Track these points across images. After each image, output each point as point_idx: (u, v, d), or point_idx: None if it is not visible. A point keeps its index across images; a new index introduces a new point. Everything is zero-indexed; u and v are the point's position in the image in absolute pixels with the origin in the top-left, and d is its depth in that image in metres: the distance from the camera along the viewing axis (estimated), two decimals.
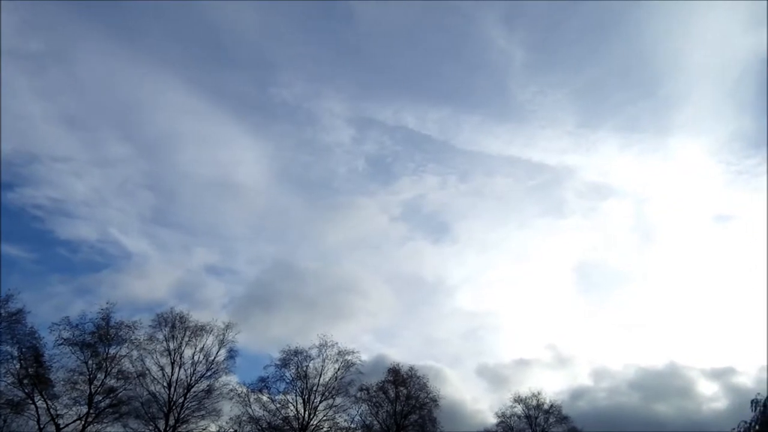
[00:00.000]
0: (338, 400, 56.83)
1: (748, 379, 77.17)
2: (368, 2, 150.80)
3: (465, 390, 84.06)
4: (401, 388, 59.79)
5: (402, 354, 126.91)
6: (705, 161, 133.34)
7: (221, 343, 54.63)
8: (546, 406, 63.15)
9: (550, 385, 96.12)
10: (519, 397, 64.01)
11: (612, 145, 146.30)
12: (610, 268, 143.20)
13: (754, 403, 60.44)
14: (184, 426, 51.86)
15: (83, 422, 47.02)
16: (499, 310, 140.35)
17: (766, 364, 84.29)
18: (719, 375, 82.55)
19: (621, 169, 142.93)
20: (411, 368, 61.30)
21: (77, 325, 49.06)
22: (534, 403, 63.30)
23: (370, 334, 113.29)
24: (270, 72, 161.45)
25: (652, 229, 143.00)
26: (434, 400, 59.75)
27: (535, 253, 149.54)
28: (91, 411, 47.63)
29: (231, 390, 54.46)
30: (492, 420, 65.18)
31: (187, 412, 52.15)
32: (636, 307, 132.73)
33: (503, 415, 63.76)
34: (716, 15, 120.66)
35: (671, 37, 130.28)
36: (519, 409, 63.53)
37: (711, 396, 79.66)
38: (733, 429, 47.86)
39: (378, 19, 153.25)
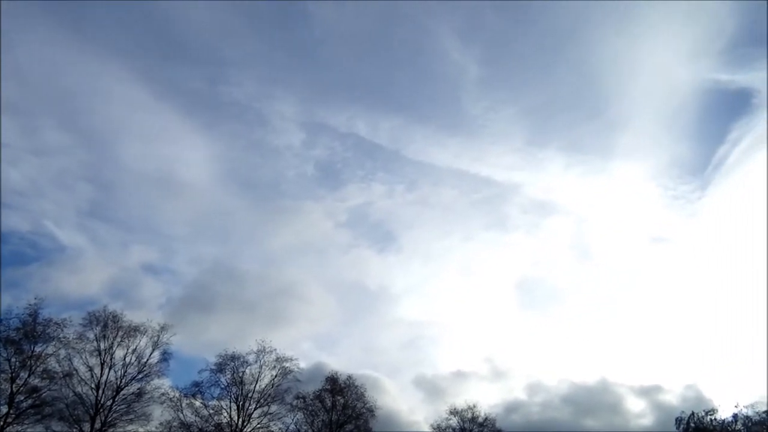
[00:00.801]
0: (273, 408, 56.41)
1: (673, 397, 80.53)
2: (325, 5, 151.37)
3: (402, 400, 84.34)
4: (338, 397, 59.62)
5: (341, 362, 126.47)
6: (644, 185, 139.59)
7: (155, 345, 53.44)
8: (481, 419, 63.99)
9: (486, 398, 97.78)
10: (455, 409, 64.70)
11: (557, 164, 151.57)
12: (550, 284, 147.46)
13: (678, 420, 63.54)
14: (111, 430, 50.16)
15: (2, 423, 44.86)
16: (440, 321, 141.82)
17: (690, 382, 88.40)
18: (647, 392, 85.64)
19: (565, 187, 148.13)
20: (349, 377, 61.40)
21: (1, 320, 47.16)
22: (469, 415, 64.10)
23: (310, 341, 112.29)
24: (221, 70, 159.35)
25: (590, 248, 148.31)
26: (371, 411, 59.89)
27: (478, 266, 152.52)
28: (12, 411, 45.55)
29: (163, 394, 53.23)
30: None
31: (114, 415, 50.54)
32: (572, 323, 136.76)
33: (438, 427, 64.31)
34: (661, 45, 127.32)
35: (618, 63, 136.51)
36: (454, 421, 64.17)
37: (638, 412, 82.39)
38: None
39: (334, 23, 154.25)
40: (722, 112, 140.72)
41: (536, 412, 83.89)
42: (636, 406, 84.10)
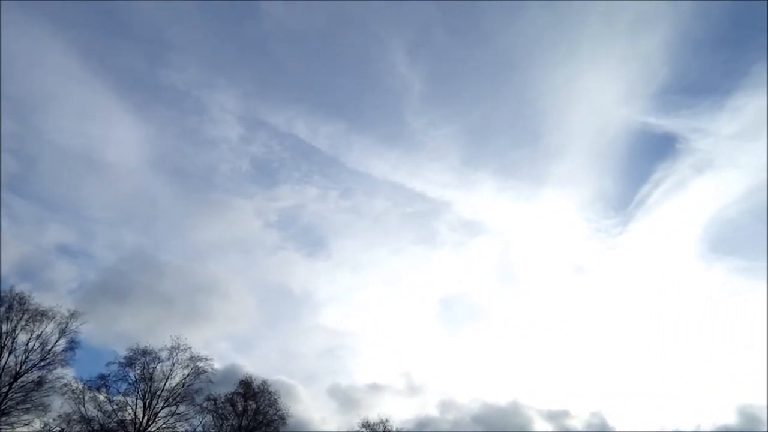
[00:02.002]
0: (182, 408, 54.93)
1: (579, 422, 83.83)
2: (275, 3, 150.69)
3: (315, 409, 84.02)
4: (250, 402, 58.79)
5: (257, 366, 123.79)
6: (571, 215, 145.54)
7: (62, 332, 51.22)
8: None
9: (399, 413, 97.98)
10: (367, 422, 64.76)
11: (490, 186, 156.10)
12: (472, 303, 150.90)
13: None
14: (5, 418, 47.49)
15: None
16: (361, 332, 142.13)
17: (596, 410, 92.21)
18: (555, 416, 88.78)
19: (495, 210, 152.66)
20: (264, 382, 60.74)
21: None
22: (381, 429, 64.29)
23: (227, 342, 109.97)
24: (163, 52, 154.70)
25: (514, 271, 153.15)
26: (282, 418, 59.31)
27: (404, 280, 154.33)
28: None
29: (65, 385, 51.01)
30: None
31: (10, 403, 47.95)
32: (490, 343, 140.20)
33: None
34: (598, 84, 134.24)
35: (556, 96, 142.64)
36: None
37: None
38: None
39: (284, 21, 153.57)
40: (648, 154, 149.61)
41: (447, 429, 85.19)
42: (544, 429, 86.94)
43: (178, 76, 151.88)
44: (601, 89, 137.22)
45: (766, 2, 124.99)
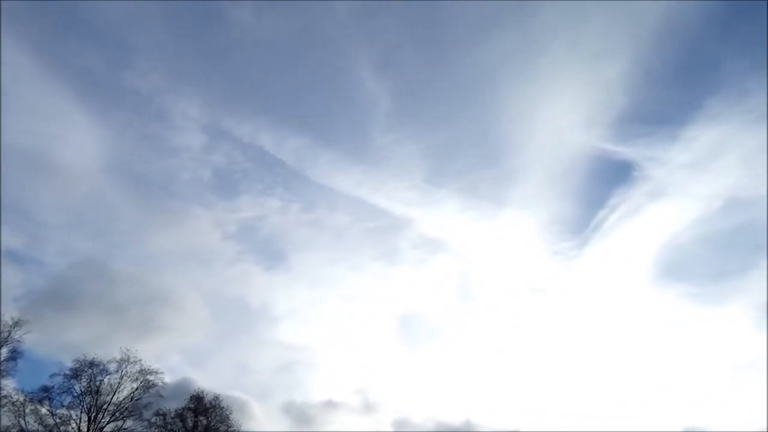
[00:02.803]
0: (129, 423, 53.08)
1: None
2: (244, 11, 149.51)
3: (268, 426, 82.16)
4: (201, 418, 57.34)
5: (211, 380, 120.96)
6: (530, 237, 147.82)
7: (4, 341, 48.90)
8: None
9: (354, 430, 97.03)
10: None
11: (452, 205, 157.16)
12: (430, 321, 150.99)
13: None
14: None
15: None
16: (318, 348, 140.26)
17: (549, 430, 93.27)
18: None
19: (456, 229, 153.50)
20: (216, 397, 59.42)
21: None
22: None
23: (180, 355, 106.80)
24: (126, 55, 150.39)
25: (474, 290, 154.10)
26: None
27: (363, 296, 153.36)
28: None
29: (5, 396, 48.77)
30: None
31: None
32: (447, 362, 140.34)
33: None
34: (559, 110, 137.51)
35: (519, 119, 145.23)
36: None
37: None
38: None
39: (251, 31, 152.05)
40: (605, 180, 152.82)
41: None
42: None
43: (141, 81, 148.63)
44: (562, 115, 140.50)
45: (720, 40, 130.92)
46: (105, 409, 51.91)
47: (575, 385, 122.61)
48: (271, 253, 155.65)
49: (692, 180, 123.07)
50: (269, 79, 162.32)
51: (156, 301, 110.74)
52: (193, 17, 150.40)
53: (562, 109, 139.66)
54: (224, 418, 58.30)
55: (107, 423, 51.81)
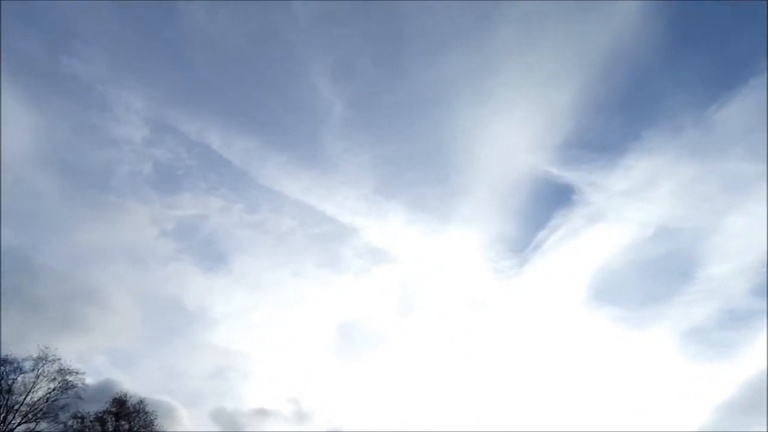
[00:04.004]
0: (43, 426, 49.58)
1: None
2: (198, 7, 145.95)
3: None
4: (123, 422, 54.37)
5: (137, 384, 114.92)
6: (473, 253, 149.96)
7: None
8: None
9: None
10: None
11: (399, 217, 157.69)
12: (370, 331, 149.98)
13: None
14: None
15: None
16: (254, 354, 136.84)
17: None
18: None
19: (402, 240, 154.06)
20: (141, 401, 56.51)
21: None
22: None
23: (105, 356, 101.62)
24: (68, 40, 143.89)
25: (415, 302, 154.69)
26: None
27: (304, 302, 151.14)
28: None
29: None
30: None
31: None
32: (384, 373, 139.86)
33: None
34: (507, 131, 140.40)
35: (468, 137, 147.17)
36: None
37: None
38: None
39: (205, 27, 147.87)
40: (547, 201, 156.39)
41: None
42: None
43: (82, 68, 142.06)
44: (511, 136, 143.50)
45: (660, 76, 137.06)
46: (17, 410, 48.29)
47: (509, 398, 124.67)
48: (210, 254, 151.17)
49: (628, 207, 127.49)
50: (221, 78, 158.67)
51: (82, 299, 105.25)
52: (144, 8, 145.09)
53: (512, 130, 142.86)
54: (148, 424, 55.53)
55: (18, 425, 48.18)
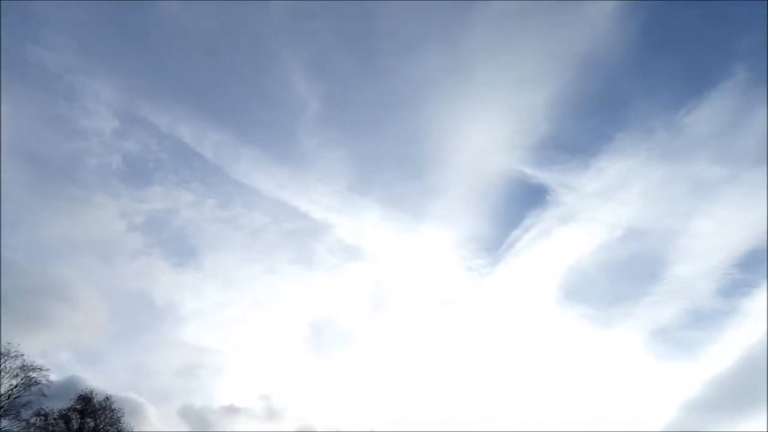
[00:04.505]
0: (4, 423, 48.25)
1: None
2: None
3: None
4: (88, 420, 53.26)
5: (103, 380, 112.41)
6: (446, 252, 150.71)
7: None
8: None
9: None
10: None
11: (374, 214, 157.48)
12: (342, 328, 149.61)
13: None
14: None
15: None
16: (224, 351, 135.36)
17: None
18: None
19: (375, 238, 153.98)
20: (107, 398, 55.40)
21: None
22: None
23: (70, 352, 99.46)
24: (35, 26, 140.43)
25: (387, 300, 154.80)
26: None
27: (276, 299, 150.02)
28: None
29: None
30: None
31: None
32: (356, 370, 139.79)
33: None
34: (483, 131, 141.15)
35: (443, 135, 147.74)
36: None
37: None
38: None
39: (177, 18, 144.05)
40: (521, 201, 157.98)
41: None
42: None
43: (50, 56, 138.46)
44: (486, 135, 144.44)
45: (632, 80, 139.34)
46: None
47: (480, 396, 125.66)
48: (180, 249, 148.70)
49: (599, 208, 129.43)
50: (194, 70, 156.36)
51: (47, 293, 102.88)
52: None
53: (487, 130, 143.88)
54: (114, 421, 54.53)
55: None
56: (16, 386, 48.67)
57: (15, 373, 48.87)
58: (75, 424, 52.55)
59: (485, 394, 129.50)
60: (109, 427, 54.10)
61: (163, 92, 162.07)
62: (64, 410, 52.33)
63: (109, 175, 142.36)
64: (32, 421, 49.86)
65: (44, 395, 50.06)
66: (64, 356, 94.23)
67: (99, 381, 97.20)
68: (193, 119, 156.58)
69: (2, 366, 48.51)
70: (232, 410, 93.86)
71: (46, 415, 50.87)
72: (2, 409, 47.88)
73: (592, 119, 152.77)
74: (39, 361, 50.62)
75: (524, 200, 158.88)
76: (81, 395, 54.23)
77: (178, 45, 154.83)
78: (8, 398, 48.16)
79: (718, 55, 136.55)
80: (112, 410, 54.97)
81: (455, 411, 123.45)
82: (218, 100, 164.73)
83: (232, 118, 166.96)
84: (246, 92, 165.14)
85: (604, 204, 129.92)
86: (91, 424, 53.30)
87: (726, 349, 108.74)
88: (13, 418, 48.45)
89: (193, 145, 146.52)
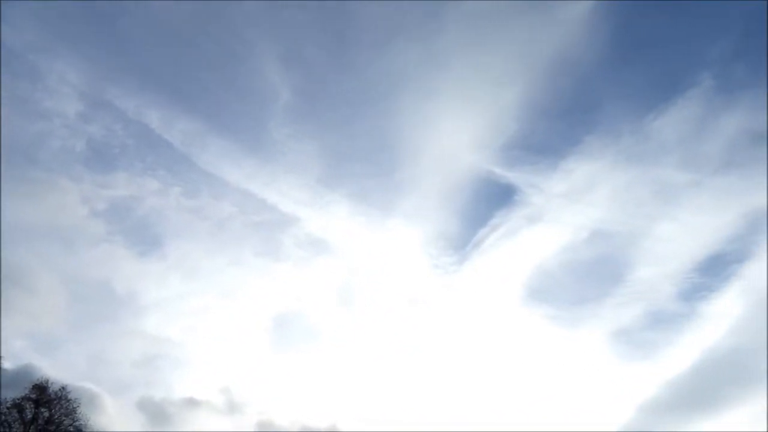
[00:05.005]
0: None
1: None
2: None
3: (120, 423, 77.09)
4: (43, 409, 52.06)
5: (60, 369, 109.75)
6: (414, 249, 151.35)
7: None
8: None
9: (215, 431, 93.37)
10: None
11: (343, 209, 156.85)
12: (307, 322, 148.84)
13: None
14: None
15: None
16: (186, 342, 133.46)
17: None
18: None
19: (343, 232, 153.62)
20: (63, 388, 54.08)
21: None
22: None
23: (25, 340, 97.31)
24: None
25: (354, 295, 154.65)
26: (79, 430, 53.27)
27: (241, 290, 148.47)
28: None
29: None
30: None
31: None
32: (319, 365, 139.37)
33: None
34: (453, 129, 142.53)
35: (414, 132, 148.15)
36: None
37: None
38: None
39: (149, 3, 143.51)
40: (489, 200, 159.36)
41: None
42: None
43: (13, 34, 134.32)
44: (457, 134, 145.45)
45: (602, 83, 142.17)
46: None
47: (445, 393, 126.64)
48: (144, 238, 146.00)
49: (566, 209, 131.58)
50: (164, 55, 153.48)
51: (2, 278, 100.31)
52: None
53: (457, 129, 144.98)
54: (70, 412, 53.35)
55: None
56: None
57: None
58: (29, 414, 51.37)
59: (449, 392, 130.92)
60: (64, 418, 52.98)
61: (131, 76, 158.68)
62: (18, 399, 51.12)
63: (72, 159, 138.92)
64: None
65: None
66: (19, 344, 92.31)
67: (55, 370, 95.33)
68: (162, 105, 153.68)
69: None
70: (192, 403, 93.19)
71: None
72: None
73: (562, 121, 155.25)
74: None
75: (492, 199, 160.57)
76: (36, 384, 53.00)
77: (149, 28, 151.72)
78: None
79: (686, 62, 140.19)
80: (68, 400, 53.79)
81: (419, 409, 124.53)
82: (188, 87, 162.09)
83: (201, 106, 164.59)
84: (217, 80, 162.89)
85: (571, 205, 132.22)
86: (46, 414, 52.16)
87: (684, 352, 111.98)
88: None
89: (161, 132, 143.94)
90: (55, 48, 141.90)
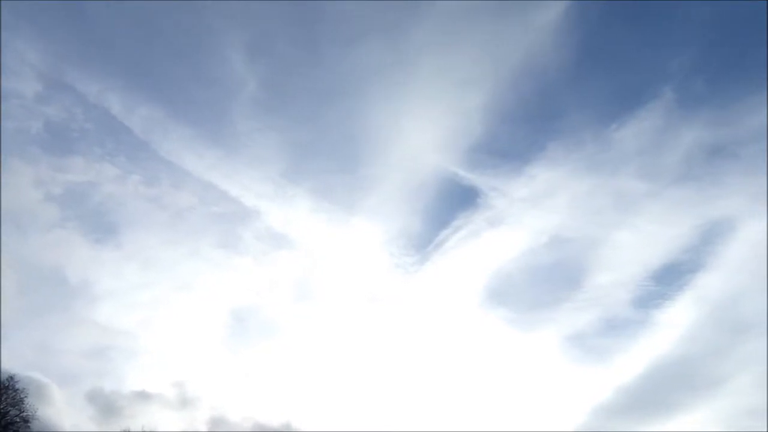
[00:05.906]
0: None
1: None
2: None
3: (67, 414, 75.02)
4: None
5: (7, 359, 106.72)
6: (375, 247, 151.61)
7: None
8: None
9: (166, 426, 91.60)
10: None
11: (305, 204, 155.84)
12: (264, 318, 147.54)
13: None
14: None
15: None
16: (140, 334, 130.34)
17: None
18: None
19: (305, 228, 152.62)
20: (10, 378, 52.53)
21: None
22: None
23: None
24: None
25: (313, 291, 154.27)
26: (26, 421, 51.70)
27: (198, 283, 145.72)
28: None
29: None
30: None
31: None
32: (275, 361, 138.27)
33: None
34: (419, 129, 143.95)
35: (380, 130, 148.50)
36: None
37: None
38: None
39: None
40: (452, 202, 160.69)
41: None
42: None
43: None
44: (422, 134, 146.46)
45: (567, 91, 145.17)
46: None
47: (401, 392, 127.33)
48: (100, 225, 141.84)
49: (526, 214, 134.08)
50: (127, 39, 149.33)
51: None
52: None
53: (423, 129, 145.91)
54: (17, 402, 51.75)
55: None
56: None
57: None
58: None
59: (405, 391, 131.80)
60: (10, 408, 51.40)
61: (93, 60, 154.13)
62: None
63: (27, 140, 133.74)
64: None
65: None
66: None
67: (2, 359, 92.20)
68: (123, 91, 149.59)
69: None
70: (143, 396, 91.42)
71: None
72: None
73: (526, 126, 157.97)
74: None
75: (455, 201, 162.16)
76: None
77: (113, 12, 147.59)
78: None
79: (649, 75, 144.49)
80: (15, 390, 52.23)
81: (375, 407, 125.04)
82: (151, 73, 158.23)
83: (164, 93, 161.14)
84: (181, 67, 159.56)
85: (531, 210, 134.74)
86: None
87: (636, 358, 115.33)
88: None
89: (121, 118, 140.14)
90: (15, 26, 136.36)
